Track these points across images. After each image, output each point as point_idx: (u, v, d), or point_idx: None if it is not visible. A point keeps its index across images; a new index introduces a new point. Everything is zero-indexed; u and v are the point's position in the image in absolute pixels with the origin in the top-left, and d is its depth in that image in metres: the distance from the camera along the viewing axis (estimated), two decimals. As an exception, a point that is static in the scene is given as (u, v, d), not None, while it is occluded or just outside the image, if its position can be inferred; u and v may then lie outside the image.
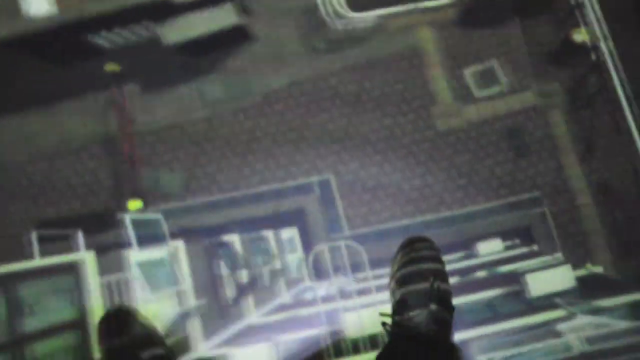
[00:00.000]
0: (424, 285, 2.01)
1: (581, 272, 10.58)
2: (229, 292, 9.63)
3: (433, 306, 2.00)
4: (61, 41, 10.78)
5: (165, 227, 8.74)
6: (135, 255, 7.65)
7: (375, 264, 10.56)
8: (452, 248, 10.97)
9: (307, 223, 10.81)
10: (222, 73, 11.68)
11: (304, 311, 9.89)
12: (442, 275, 2.01)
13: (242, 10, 11.09)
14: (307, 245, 10.78)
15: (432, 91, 11.65)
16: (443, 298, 2.04)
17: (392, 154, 11.26)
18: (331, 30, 11.73)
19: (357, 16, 11.63)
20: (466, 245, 10.97)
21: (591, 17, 12.00)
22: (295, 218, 10.82)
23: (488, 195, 11.17)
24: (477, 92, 11.73)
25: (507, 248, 11.02)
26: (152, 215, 8.90)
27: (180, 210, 10.82)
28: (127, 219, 7.89)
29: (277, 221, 10.72)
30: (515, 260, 11.02)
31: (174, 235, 8.94)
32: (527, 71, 11.85)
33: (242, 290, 9.80)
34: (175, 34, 10.88)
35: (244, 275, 9.79)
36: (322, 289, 10.12)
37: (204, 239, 9.36)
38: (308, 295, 10.47)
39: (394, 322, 2.03)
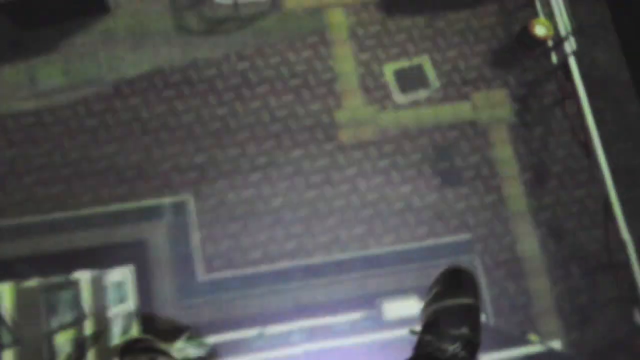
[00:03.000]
0: (459, 311, 2.10)
1: (530, 349, 7.83)
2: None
3: (465, 330, 2.08)
4: None
5: None
6: None
7: (234, 323, 7.69)
8: (347, 305, 8.05)
9: (148, 261, 7.88)
10: (63, 53, 8.81)
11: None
12: (477, 311, 2.17)
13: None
14: (144, 292, 7.84)
15: (338, 91, 8.82)
16: (476, 329, 2.17)
17: (276, 171, 8.39)
18: (213, 6, 8.95)
19: (249, -10, 8.85)
20: (367, 302, 8.04)
21: (556, 7, 9.30)
22: (133, 253, 7.88)
23: (400, 234, 8.29)
24: (399, 97, 8.91)
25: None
26: None
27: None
28: None
29: (105, 257, 7.79)
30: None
31: None
32: (467, 74, 9.08)
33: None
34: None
35: (6, 356, 6.34)
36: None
37: None
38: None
39: (421, 340, 2.14)
